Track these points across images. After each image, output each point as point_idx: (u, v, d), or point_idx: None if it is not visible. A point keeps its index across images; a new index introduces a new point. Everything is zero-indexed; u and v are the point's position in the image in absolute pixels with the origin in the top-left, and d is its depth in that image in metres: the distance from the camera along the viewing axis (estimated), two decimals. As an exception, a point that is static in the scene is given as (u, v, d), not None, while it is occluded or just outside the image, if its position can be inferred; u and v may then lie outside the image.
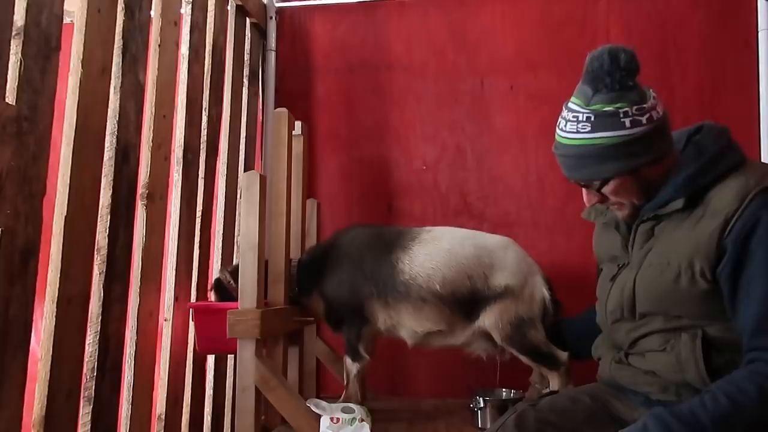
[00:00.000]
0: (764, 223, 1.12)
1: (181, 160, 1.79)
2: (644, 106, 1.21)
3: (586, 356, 1.53)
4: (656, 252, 1.26)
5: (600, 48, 1.23)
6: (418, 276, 1.69)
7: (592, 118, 1.21)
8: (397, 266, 1.72)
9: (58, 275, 1.25)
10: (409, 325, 1.73)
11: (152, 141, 1.61)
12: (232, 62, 2.17)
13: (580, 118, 1.23)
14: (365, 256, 1.77)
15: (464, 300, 1.68)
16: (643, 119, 1.20)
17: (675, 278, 1.20)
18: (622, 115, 1.19)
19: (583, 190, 1.32)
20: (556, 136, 1.30)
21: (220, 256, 2.05)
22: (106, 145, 1.44)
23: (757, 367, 1.08)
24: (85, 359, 1.37)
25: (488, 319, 1.67)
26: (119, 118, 1.47)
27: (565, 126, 1.26)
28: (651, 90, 1.25)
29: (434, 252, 1.72)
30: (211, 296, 1.85)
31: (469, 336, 1.73)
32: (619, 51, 1.20)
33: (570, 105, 1.27)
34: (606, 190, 1.28)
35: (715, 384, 1.11)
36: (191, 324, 1.78)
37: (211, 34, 2.00)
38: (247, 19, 2.32)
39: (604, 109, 1.20)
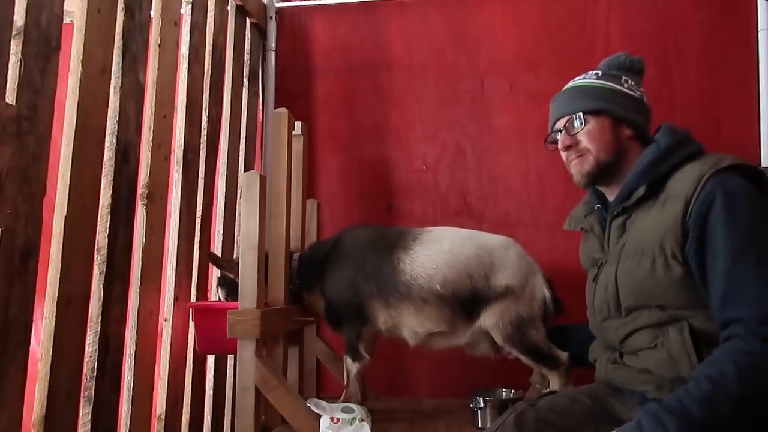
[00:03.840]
0: (719, 201, 1.17)
1: (181, 160, 1.79)
2: (641, 88, 1.45)
3: (589, 363, 1.53)
4: (631, 243, 1.30)
5: None
6: (419, 276, 1.69)
7: (600, 74, 1.44)
8: (399, 266, 1.72)
9: (58, 275, 1.25)
10: (410, 325, 1.73)
11: (152, 141, 1.61)
12: (232, 62, 2.17)
13: (589, 73, 1.46)
14: (367, 256, 1.77)
15: (465, 300, 1.68)
16: (637, 92, 1.43)
17: (651, 265, 1.24)
18: (623, 80, 1.42)
19: (561, 135, 1.43)
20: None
21: (220, 256, 2.04)
22: (106, 145, 1.44)
23: (732, 344, 1.10)
24: (85, 359, 1.37)
25: (489, 319, 1.67)
26: (119, 118, 1.47)
27: (574, 79, 1.48)
28: None
29: (435, 252, 1.72)
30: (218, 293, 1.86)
31: (470, 336, 1.72)
32: (632, 56, 1.47)
33: None
34: (584, 129, 1.39)
35: (697, 368, 1.12)
36: (191, 324, 1.79)
37: (211, 34, 2.00)
38: (247, 19, 2.32)
39: (612, 72, 1.44)
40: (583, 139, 1.39)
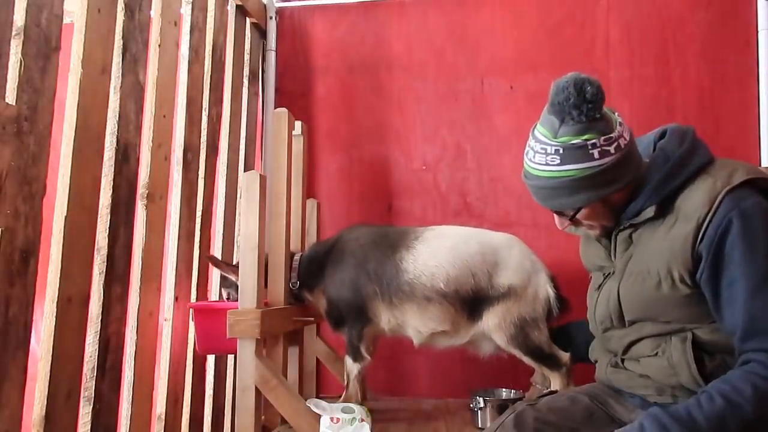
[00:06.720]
0: (736, 225, 1.11)
1: (181, 160, 1.79)
2: (612, 135, 1.19)
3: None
4: (636, 260, 1.26)
5: (565, 78, 1.19)
6: (423, 275, 1.69)
7: (561, 151, 1.19)
8: (401, 266, 1.71)
9: (58, 275, 1.25)
10: (414, 325, 1.72)
11: (152, 141, 1.61)
12: (232, 62, 2.17)
13: (549, 151, 1.21)
14: (369, 256, 1.76)
15: (468, 298, 1.68)
16: (611, 149, 1.19)
17: (656, 285, 1.20)
18: (590, 147, 1.18)
19: (555, 215, 1.34)
20: (525, 165, 1.29)
21: (220, 256, 2.05)
22: (106, 145, 1.44)
23: (752, 367, 1.08)
24: (85, 359, 1.37)
25: (492, 321, 1.66)
26: (119, 118, 1.47)
27: (534, 157, 1.25)
28: (616, 114, 1.24)
29: (438, 250, 1.71)
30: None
31: (473, 336, 1.72)
32: (584, 83, 1.17)
33: (537, 134, 1.25)
34: (578, 216, 1.29)
35: (711, 384, 1.11)
36: (191, 324, 1.78)
37: (211, 34, 2.00)
38: (247, 19, 2.32)
39: (572, 141, 1.18)
40: (581, 220, 1.31)
